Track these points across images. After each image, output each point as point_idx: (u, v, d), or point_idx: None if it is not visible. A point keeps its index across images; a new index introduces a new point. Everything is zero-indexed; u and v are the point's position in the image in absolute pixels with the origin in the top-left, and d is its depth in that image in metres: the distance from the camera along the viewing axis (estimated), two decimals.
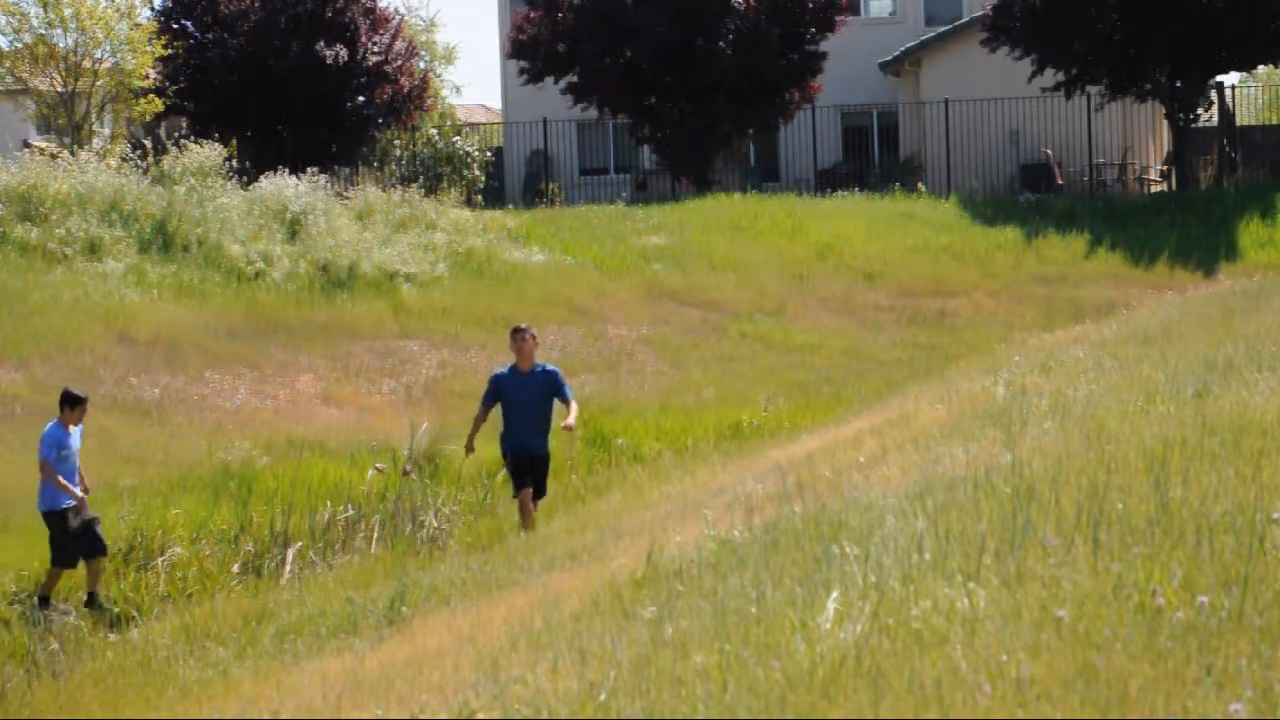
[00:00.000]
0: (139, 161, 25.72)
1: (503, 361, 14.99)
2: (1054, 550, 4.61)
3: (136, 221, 22.93)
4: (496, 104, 48.02)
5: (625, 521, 10.69)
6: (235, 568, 13.17)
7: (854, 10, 38.37)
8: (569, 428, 13.04)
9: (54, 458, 12.69)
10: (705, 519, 8.11)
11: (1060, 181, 34.90)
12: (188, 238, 23.00)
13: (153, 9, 33.02)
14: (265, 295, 22.03)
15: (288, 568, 13.24)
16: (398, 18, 36.51)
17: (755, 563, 5.63)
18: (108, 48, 29.62)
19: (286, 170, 26.56)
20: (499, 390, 13.03)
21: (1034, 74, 33.23)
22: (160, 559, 13.04)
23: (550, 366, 13.30)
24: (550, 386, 13.00)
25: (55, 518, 12.55)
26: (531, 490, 12.96)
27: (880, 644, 4.07)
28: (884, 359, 22.92)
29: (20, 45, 29.73)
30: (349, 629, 9.32)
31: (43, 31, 29.31)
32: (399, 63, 34.66)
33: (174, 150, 25.61)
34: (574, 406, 12.94)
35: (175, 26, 33.16)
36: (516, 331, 13.24)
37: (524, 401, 12.87)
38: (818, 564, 5.17)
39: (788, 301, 25.73)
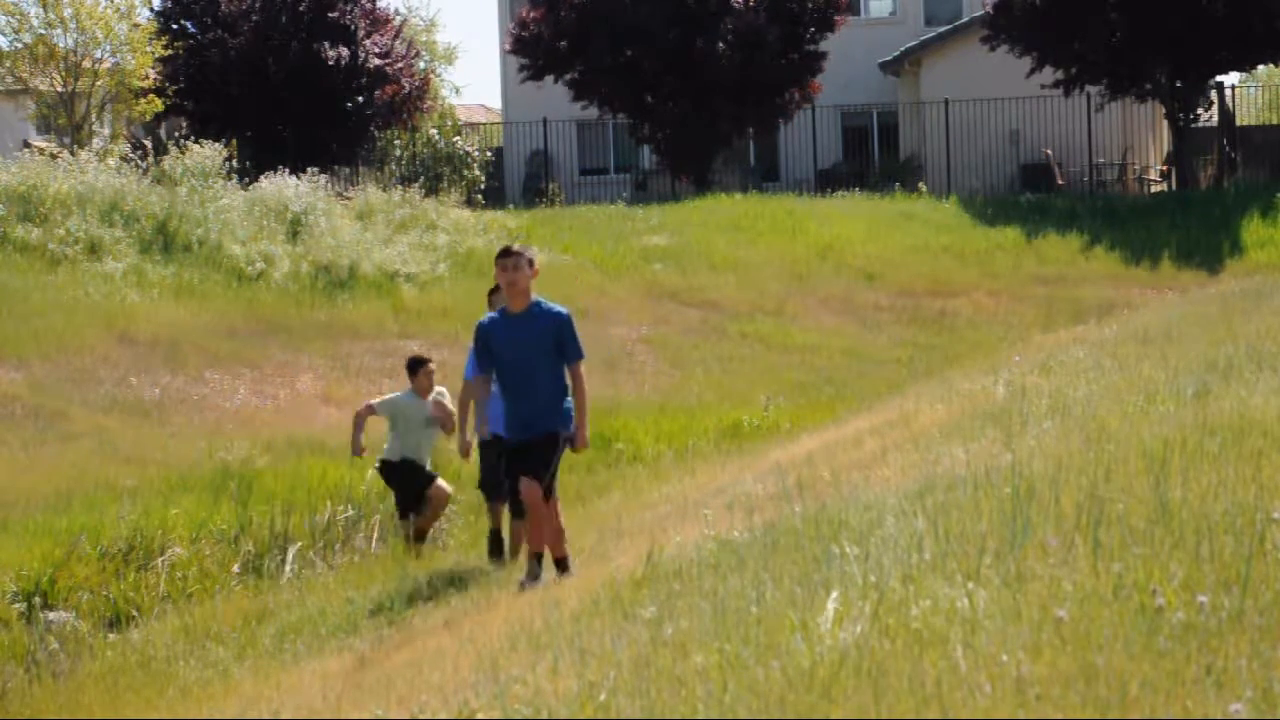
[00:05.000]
0: (139, 162, 25.73)
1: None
2: (1054, 550, 4.60)
3: (137, 222, 22.95)
4: (496, 104, 48.03)
5: (625, 521, 10.69)
6: (235, 568, 13.16)
7: (854, 10, 38.39)
8: (583, 443, 8.97)
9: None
10: (705, 519, 8.11)
11: (1060, 181, 34.90)
12: (188, 238, 23.01)
13: (152, 9, 33.05)
14: (266, 295, 22.04)
15: (288, 568, 13.23)
16: (398, 18, 36.55)
17: (755, 563, 5.63)
18: (108, 48, 29.66)
19: (287, 170, 26.56)
20: (487, 344, 8.90)
21: (1032, 70, 33.25)
22: (160, 559, 13.03)
23: (558, 307, 8.97)
24: (558, 336, 8.80)
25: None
26: (508, 501, 9.00)
27: (880, 644, 4.07)
28: (884, 359, 22.91)
29: (20, 45, 29.75)
30: (349, 629, 9.31)
31: (43, 31, 29.34)
32: (399, 63, 34.68)
33: (175, 150, 25.62)
34: (583, 391, 8.82)
35: (175, 27, 33.18)
36: (505, 254, 8.93)
37: (519, 359, 8.77)
38: (818, 564, 5.17)
39: (788, 301, 25.72)
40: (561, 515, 8.86)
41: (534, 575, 8.61)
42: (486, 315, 9.22)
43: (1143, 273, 27.77)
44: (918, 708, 3.67)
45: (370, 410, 12.89)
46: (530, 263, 8.86)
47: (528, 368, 8.76)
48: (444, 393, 12.99)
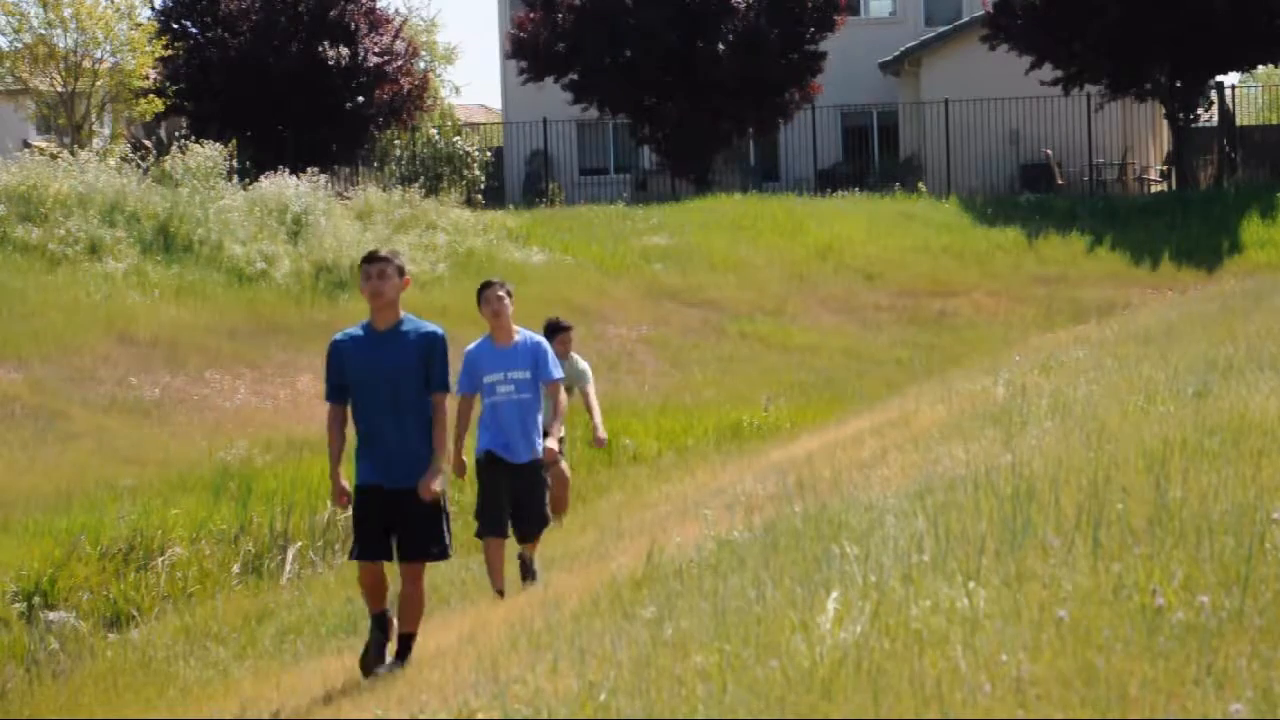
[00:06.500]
0: (140, 162, 25.73)
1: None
2: (1054, 550, 4.60)
3: (138, 222, 22.96)
4: (496, 104, 48.02)
5: (625, 521, 10.69)
6: (235, 568, 13.17)
7: (854, 10, 38.38)
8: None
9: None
10: (705, 519, 8.11)
11: (1060, 181, 34.90)
12: (189, 238, 23.03)
13: (153, 9, 33.06)
14: (266, 295, 22.05)
15: (288, 568, 13.24)
16: (398, 18, 36.56)
17: (755, 563, 5.62)
18: (108, 48, 29.63)
19: (287, 170, 26.57)
20: (341, 367, 7.57)
21: (1032, 66, 33.26)
22: (160, 559, 13.03)
23: (430, 325, 7.60)
24: (426, 358, 7.47)
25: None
26: (380, 565, 7.51)
27: (880, 644, 4.07)
28: (884, 359, 22.92)
29: (20, 45, 29.73)
30: (349, 629, 9.32)
31: (43, 31, 29.31)
32: (399, 63, 34.69)
33: (176, 151, 25.62)
34: (444, 426, 7.53)
35: (175, 26, 33.19)
36: (370, 260, 7.57)
37: (381, 386, 7.42)
38: (818, 564, 5.17)
39: (788, 301, 25.73)
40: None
41: (383, 656, 7.40)
42: (344, 331, 7.72)
43: (1143, 272, 27.79)
44: (918, 708, 3.67)
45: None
46: (400, 270, 7.52)
47: (391, 397, 7.40)
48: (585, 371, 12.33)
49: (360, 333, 7.58)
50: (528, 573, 9.16)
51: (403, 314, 7.51)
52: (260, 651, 9.62)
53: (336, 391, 7.56)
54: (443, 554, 7.53)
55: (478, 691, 5.08)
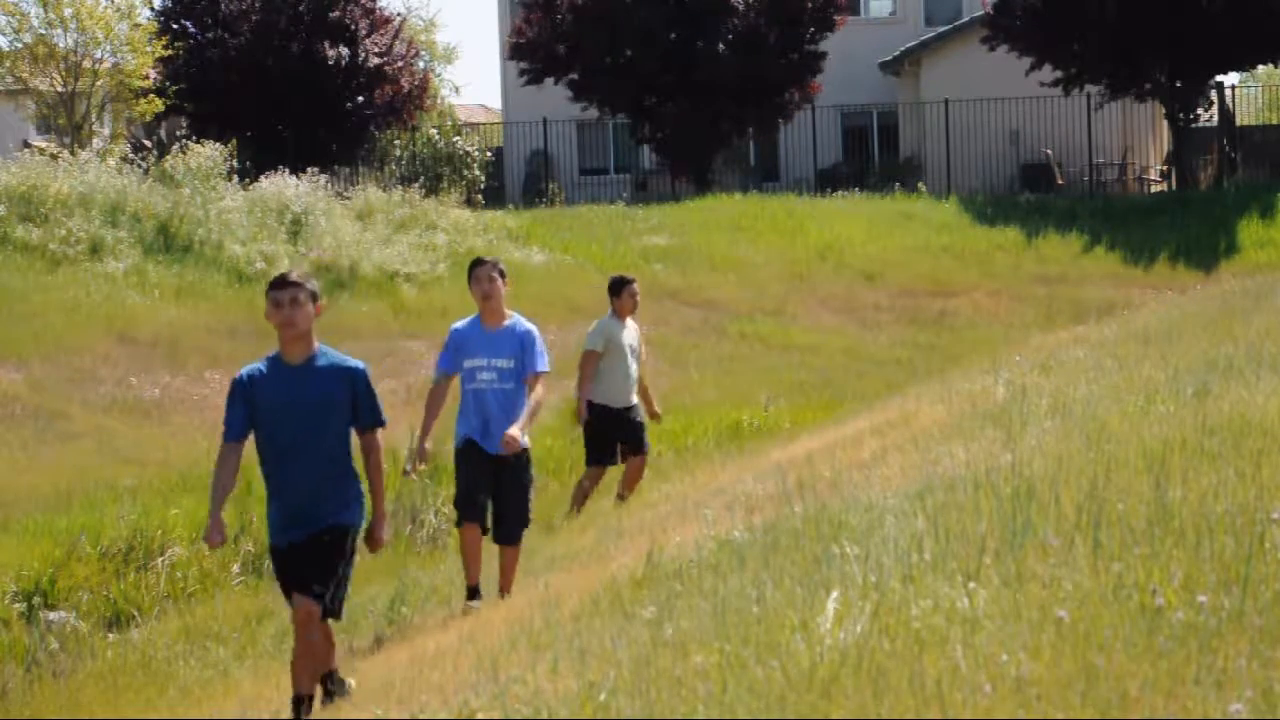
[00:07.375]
0: (140, 162, 25.74)
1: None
2: (1054, 550, 4.60)
3: (139, 222, 22.98)
4: (496, 104, 48.04)
5: (625, 521, 10.68)
6: (235, 568, 13.17)
7: (854, 10, 38.42)
8: (381, 541, 7.01)
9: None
10: (705, 519, 8.10)
11: (1060, 181, 34.91)
12: (190, 238, 23.04)
13: (153, 9, 33.08)
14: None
15: None
16: (398, 18, 36.57)
17: (755, 563, 5.62)
18: (108, 48, 29.64)
19: (287, 170, 26.59)
20: (248, 407, 6.92)
21: (1032, 67, 33.28)
22: (160, 559, 13.04)
23: (350, 360, 6.97)
24: (351, 396, 6.86)
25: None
26: (310, 605, 6.75)
27: (880, 644, 4.07)
28: (884, 359, 22.92)
29: (20, 45, 29.74)
30: (349, 629, 9.31)
31: (43, 31, 29.32)
32: (399, 63, 34.71)
33: (177, 151, 25.62)
34: (382, 468, 6.96)
35: (175, 26, 33.21)
36: (279, 285, 6.87)
37: (291, 426, 6.79)
38: (818, 564, 5.17)
39: (788, 301, 25.73)
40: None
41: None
42: (248, 366, 7.00)
43: (1142, 273, 27.80)
44: (918, 708, 3.67)
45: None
46: (314, 296, 6.79)
47: (303, 437, 6.72)
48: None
49: (266, 368, 6.89)
50: (473, 594, 8.62)
51: (317, 345, 6.85)
52: (260, 651, 9.62)
53: (238, 431, 6.87)
54: (321, 596, 6.65)
55: (478, 691, 5.08)
